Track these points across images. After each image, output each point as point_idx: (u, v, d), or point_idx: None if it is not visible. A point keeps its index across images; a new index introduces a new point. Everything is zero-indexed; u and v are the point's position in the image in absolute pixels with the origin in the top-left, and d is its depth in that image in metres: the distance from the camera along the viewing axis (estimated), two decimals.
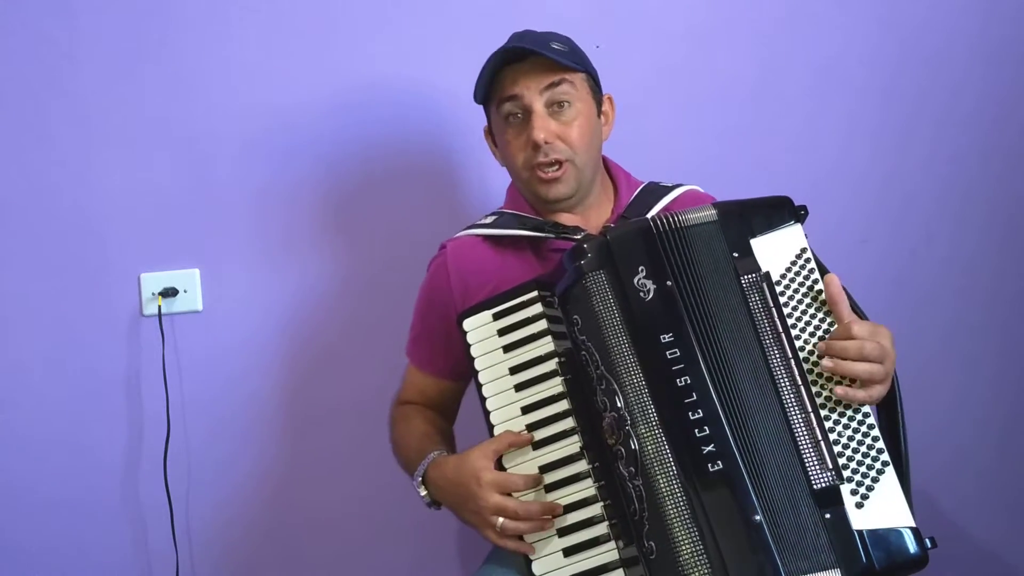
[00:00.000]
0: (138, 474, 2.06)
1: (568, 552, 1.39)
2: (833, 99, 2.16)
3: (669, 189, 1.69)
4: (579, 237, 1.56)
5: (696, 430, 1.32)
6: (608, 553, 1.38)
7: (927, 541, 1.32)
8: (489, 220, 1.70)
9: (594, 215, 1.68)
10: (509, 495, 1.41)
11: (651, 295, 1.37)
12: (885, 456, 1.34)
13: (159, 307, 2.02)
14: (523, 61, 1.60)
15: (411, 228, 2.07)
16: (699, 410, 1.32)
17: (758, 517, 1.29)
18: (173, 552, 2.03)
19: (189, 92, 2.02)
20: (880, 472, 1.33)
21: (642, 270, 1.38)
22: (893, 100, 2.17)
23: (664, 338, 1.35)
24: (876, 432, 1.35)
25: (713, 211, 1.42)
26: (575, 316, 1.40)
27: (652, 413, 1.33)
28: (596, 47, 1.74)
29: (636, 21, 2.10)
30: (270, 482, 2.09)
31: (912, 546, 1.31)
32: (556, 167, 1.60)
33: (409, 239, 2.05)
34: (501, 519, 1.40)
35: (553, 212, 1.66)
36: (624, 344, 1.36)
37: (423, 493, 1.54)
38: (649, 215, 1.58)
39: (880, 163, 2.17)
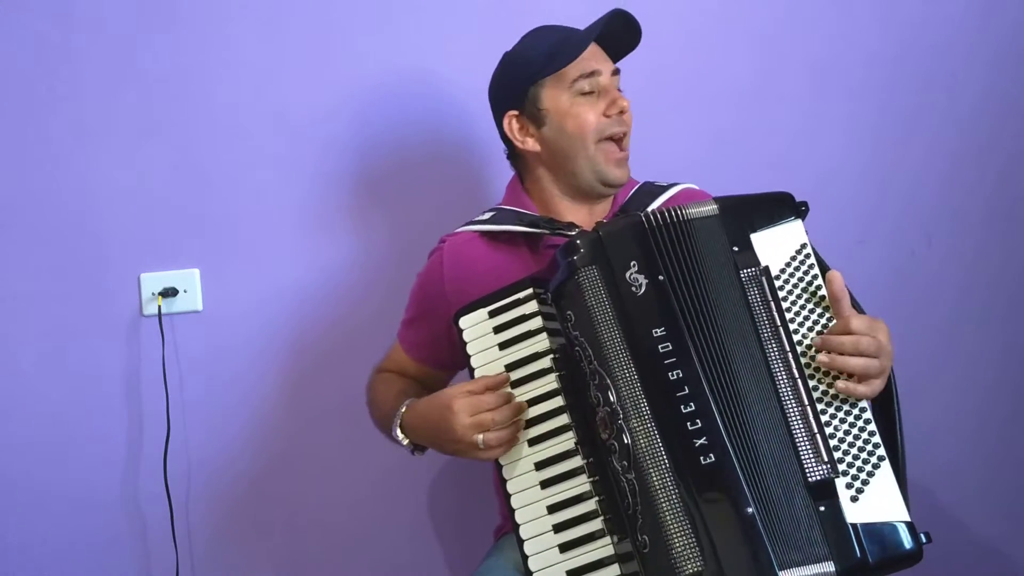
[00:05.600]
0: (138, 474, 2.06)
1: (564, 548, 1.39)
2: (831, 99, 2.16)
3: (665, 188, 1.71)
4: (573, 233, 1.57)
5: (688, 423, 1.32)
6: (604, 548, 1.38)
7: (922, 536, 1.31)
8: (486, 216, 1.71)
9: (597, 212, 1.70)
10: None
11: (643, 289, 1.37)
12: (881, 451, 1.33)
13: (159, 307, 2.03)
14: (599, 41, 1.65)
15: (412, 228, 2.07)
16: (691, 403, 1.32)
17: (750, 509, 1.29)
18: (173, 552, 2.03)
19: (189, 92, 2.04)
20: (876, 467, 1.33)
21: (634, 265, 1.38)
22: (892, 99, 2.17)
23: (656, 332, 1.35)
24: (872, 427, 1.34)
25: (714, 205, 1.43)
26: (568, 312, 1.40)
27: (644, 407, 1.33)
28: None
29: None
30: (270, 481, 2.09)
31: (907, 540, 1.30)
32: (624, 150, 1.65)
33: (411, 239, 2.05)
34: (480, 436, 1.41)
35: (595, 199, 1.69)
36: (616, 338, 1.36)
37: (404, 441, 1.56)
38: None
39: (879, 163, 2.17)
